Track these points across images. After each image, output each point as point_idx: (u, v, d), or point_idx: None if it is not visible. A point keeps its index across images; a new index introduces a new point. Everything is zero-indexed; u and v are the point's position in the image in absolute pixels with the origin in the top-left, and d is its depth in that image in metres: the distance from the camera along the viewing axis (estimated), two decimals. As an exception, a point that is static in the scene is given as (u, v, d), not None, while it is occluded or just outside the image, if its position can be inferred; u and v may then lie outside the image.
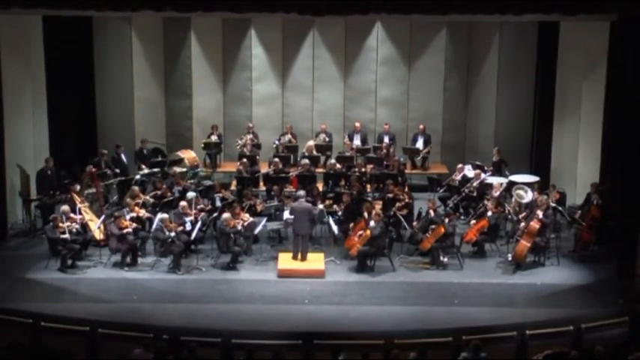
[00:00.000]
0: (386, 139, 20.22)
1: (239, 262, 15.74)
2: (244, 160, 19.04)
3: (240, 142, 20.28)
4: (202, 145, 20.53)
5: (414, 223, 16.32)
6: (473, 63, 20.97)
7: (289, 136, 20.49)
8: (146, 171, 18.97)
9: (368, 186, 18.73)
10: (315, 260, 15.74)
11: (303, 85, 21.34)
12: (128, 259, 15.54)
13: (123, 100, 20.49)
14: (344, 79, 21.27)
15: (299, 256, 15.68)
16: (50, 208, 17.03)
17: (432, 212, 16.13)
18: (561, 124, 18.90)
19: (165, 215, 15.74)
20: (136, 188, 17.17)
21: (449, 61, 20.94)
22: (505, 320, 13.39)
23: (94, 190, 17.38)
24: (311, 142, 20.32)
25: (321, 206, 16.79)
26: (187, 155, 20.05)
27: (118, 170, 18.72)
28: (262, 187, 18.74)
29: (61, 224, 15.37)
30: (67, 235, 15.26)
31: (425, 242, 15.79)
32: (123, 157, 19.14)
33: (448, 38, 20.80)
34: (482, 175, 18.14)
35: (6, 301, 14.00)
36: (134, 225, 15.74)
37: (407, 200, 16.92)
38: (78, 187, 16.84)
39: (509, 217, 16.67)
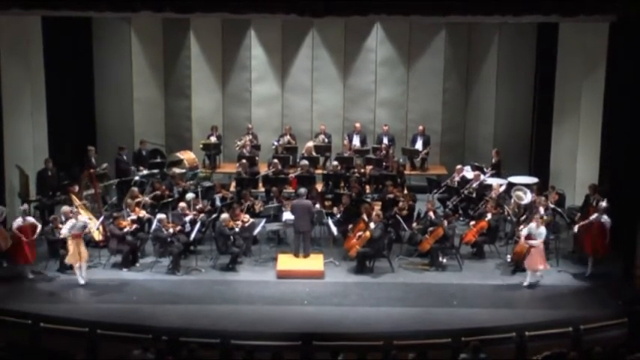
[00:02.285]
0: (385, 140, 20.22)
1: (238, 263, 15.75)
2: (243, 161, 19.04)
3: (239, 143, 20.27)
4: (201, 146, 20.52)
5: (414, 224, 16.32)
6: (472, 64, 20.99)
7: (288, 137, 20.49)
8: (145, 172, 18.95)
9: (367, 187, 18.72)
10: (315, 261, 15.76)
11: (303, 85, 21.34)
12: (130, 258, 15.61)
13: (122, 100, 20.50)
14: (343, 79, 21.28)
15: (300, 254, 15.78)
16: (49, 208, 17.03)
17: (431, 213, 16.13)
18: (560, 124, 18.89)
19: (163, 215, 15.75)
20: (136, 189, 17.17)
21: (448, 62, 20.96)
22: (504, 321, 13.41)
23: (92, 191, 17.38)
24: (310, 143, 20.32)
25: (317, 206, 16.84)
26: (186, 156, 20.04)
27: (105, 165, 18.65)
28: (261, 189, 18.72)
29: (60, 225, 15.37)
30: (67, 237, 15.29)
31: (424, 243, 15.79)
32: (125, 158, 19.15)
33: (447, 39, 20.82)
34: (482, 177, 18.14)
35: (5, 301, 14.00)
36: (134, 225, 15.74)
37: (409, 202, 16.94)
38: (77, 188, 16.83)
39: (509, 218, 16.67)
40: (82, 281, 14.84)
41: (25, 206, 15.61)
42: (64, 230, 14.87)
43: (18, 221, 15.08)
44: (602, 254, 15.26)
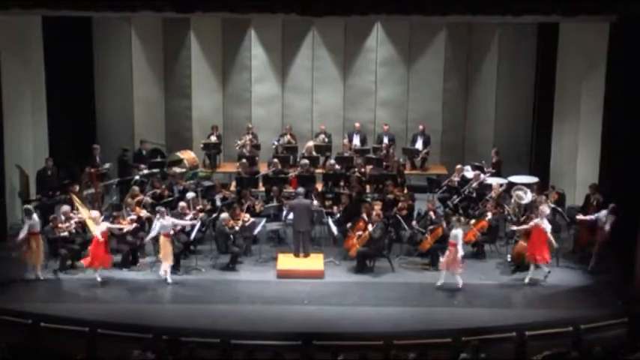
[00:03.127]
0: (385, 140, 20.23)
1: (238, 263, 15.75)
2: (244, 160, 19.04)
3: (239, 142, 20.28)
4: (202, 146, 20.53)
5: (413, 223, 16.31)
6: (472, 64, 20.98)
7: (288, 136, 20.50)
8: (145, 171, 18.95)
9: (367, 186, 18.72)
10: (315, 261, 15.76)
11: (303, 85, 21.35)
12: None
13: (122, 100, 20.47)
14: (343, 79, 21.29)
15: (300, 254, 15.79)
16: (50, 208, 17.01)
17: (431, 213, 16.13)
18: (561, 124, 18.90)
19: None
20: (136, 188, 17.17)
21: (448, 62, 20.95)
22: (504, 321, 13.42)
23: (92, 190, 17.38)
24: (310, 143, 20.33)
25: (315, 202, 16.82)
26: (187, 156, 20.04)
27: (108, 164, 18.63)
28: (262, 188, 18.71)
29: (60, 225, 15.37)
30: (65, 233, 15.28)
31: (424, 243, 15.79)
32: (130, 159, 19.15)
33: (448, 39, 20.81)
34: (482, 176, 18.13)
35: (5, 301, 13.99)
36: (134, 225, 15.74)
37: (408, 202, 16.95)
38: (77, 188, 16.83)
39: (509, 217, 16.66)
40: (169, 280, 14.95)
41: (97, 214, 15.42)
42: (153, 233, 15.01)
43: (98, 228, 14.91)
44: (540, 260, 15.01)
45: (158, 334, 12.40)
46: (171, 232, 15.09)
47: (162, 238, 14.96)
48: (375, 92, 21.27)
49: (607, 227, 15.23)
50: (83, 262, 15.06)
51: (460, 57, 20.97)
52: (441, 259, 14.95)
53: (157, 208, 15.53)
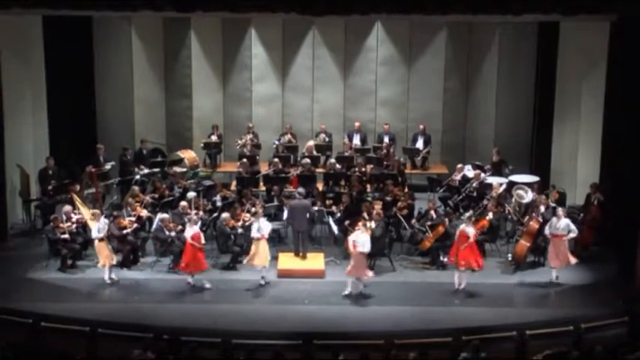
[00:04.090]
0: (386, 139, 20.23)
1: (239, 262, 15.74)
2: (244, 160, 19.05)
3: (240, 142, 20.28)
4: (202, 145, 20.53)
5: (414, 222, 16.30)
6: (473, 63, 20.97)
7: (289, 136, 20.50)
8: (146, 171, 18.95)
9: (368, 186, 18.72)
10: (315, 260, 15.77)
11: (303, 85, 21.35)
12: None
13: (123, 99, 20.47)
14: (344, 79, 21.29)
15: (300, 254, 15.80)
16: (50, 208, 17.02)
17: (432, 213, 16.13)
18: (561, 124, 18.89)
19: (166, 215, 15.75)
20: (136, 188, 17.17)
21: (449, 62, 20.93)
22: (505, 320, 13.42)
23: (93, 190, 17.38)
24: (311, 142, 20.33)
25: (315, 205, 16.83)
26: (187, 155, 20.04)
27: (110, 164, 18.65)
28: (262, 188, 18.71)
29: (61, 224, 15.38)
30: (66, 236, 15.27)
31: (425, 242, 15.80)
32: (130, 159, 19.16)
33: (448, 38, 20.81)
34: (482, 175, 18.13)
35: (6, 301, 13.99)
36: (135, 225, 15.74)
37: (408, 202, 16.94)
38: (78, 188, 16.83)
39: (510, 217, 16.67)
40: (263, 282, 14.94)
41: (194, 216, 15.20)
42: (254, 233, 14.91)
43: (189, 231, 14.77)
44: (465, 265, 14.64)
45: (159, 333, 12.41)
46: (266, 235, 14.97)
47: (257, 241, 14.90)
48: (375, 92, 21.27)
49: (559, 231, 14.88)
50: (181, 267, 14.86)
51: (460, 56, 20.96)
52: (349, 267, 14.56)
53: (254, 210, 15.51)
